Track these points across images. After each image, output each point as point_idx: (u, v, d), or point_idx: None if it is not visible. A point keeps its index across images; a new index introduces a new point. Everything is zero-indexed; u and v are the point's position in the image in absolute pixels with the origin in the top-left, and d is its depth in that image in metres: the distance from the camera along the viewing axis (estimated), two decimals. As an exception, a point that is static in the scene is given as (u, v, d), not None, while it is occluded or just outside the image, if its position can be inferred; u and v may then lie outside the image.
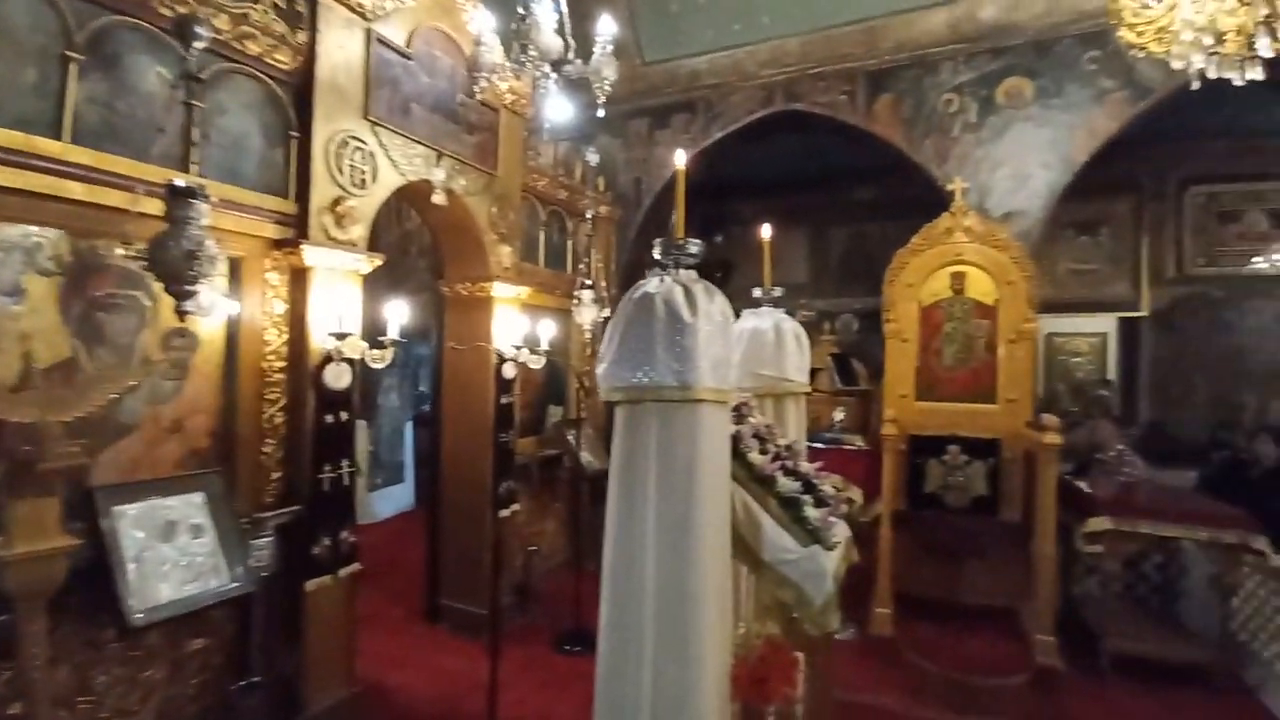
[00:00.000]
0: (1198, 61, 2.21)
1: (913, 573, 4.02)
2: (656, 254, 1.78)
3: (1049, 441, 3.31)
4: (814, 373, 5.09)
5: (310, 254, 2.56)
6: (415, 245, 6.41)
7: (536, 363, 3.28)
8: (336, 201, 2.66)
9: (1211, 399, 6.17)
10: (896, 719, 2.99)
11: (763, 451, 2.15)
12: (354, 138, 2.77)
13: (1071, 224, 6.48)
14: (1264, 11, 1.87)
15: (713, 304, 1.62)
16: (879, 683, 3.27)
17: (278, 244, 2.55)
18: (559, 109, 3.25)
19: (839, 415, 4.15)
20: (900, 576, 3.82)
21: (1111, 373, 7.63)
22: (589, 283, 4.31)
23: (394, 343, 2.64)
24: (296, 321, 2.60)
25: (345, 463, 2.69)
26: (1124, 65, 3.97)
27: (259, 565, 2.44)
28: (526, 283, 4.07)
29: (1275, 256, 6.01)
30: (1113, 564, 3.41)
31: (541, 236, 4.62)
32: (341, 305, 2.63)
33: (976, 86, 4.28)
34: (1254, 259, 6.07)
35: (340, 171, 2.70)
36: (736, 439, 2.00)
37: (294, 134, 2.64)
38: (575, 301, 4.29)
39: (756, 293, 2.61)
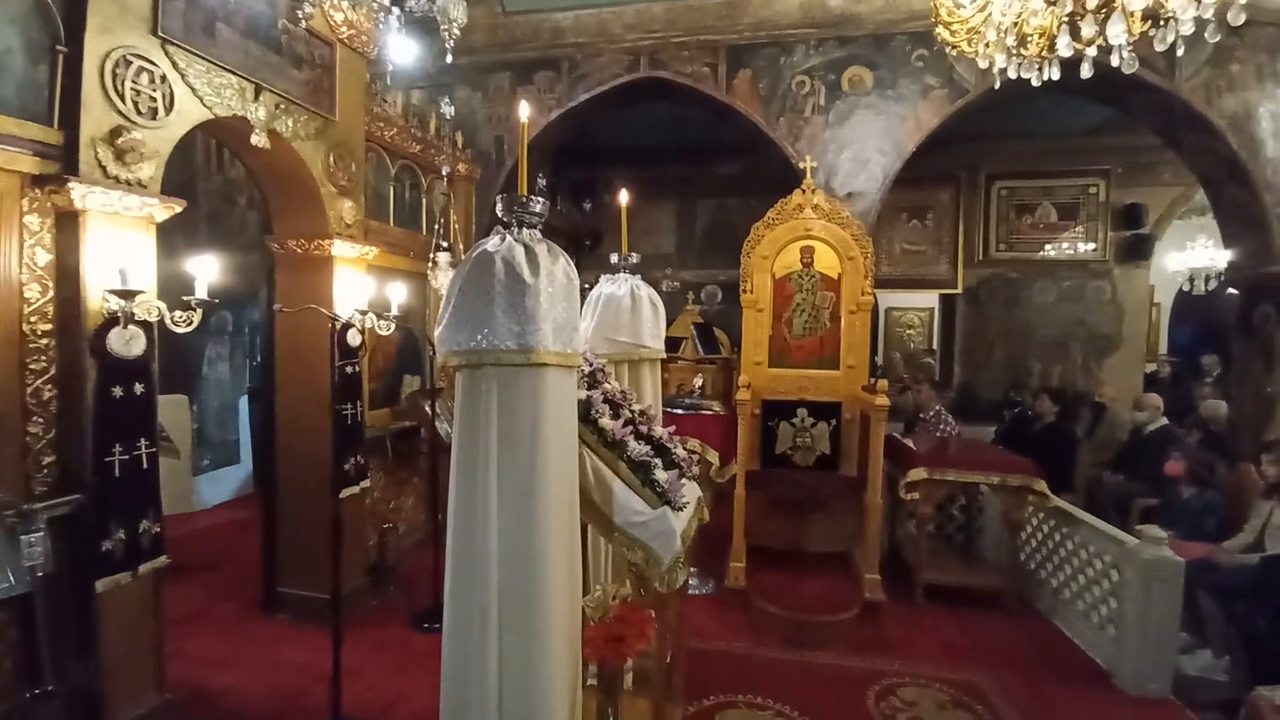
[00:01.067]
0: (1000, 61, 2.47)
1: (765, 527, 4.32)
2: (499, 211, 1.69)
3: (879, 404, 3.66)
4: (678, 341, 5.27)
5: (81, 194, 2.12)
6: (244, 195, 5.67)
7: (385, 329, 3.03)
8: (116, 132, 2.23)
9: (1007, 365, 7.19)
10: (743, 660, 3.22)
11: (615, 416, 2.15)
12: (139, 56, 2.33)
13: (905, 208, 7.16)
14: (1068, 9, 2.11)
15: (556, 265, 1.56)
16: (731, 630, 3.50)
17: (38, 181, 2.10)
18: (403, 50, 2.98)
19: (700, 382, 4.32)
20: (754, 531, 4.09)
21: (935, 343, 8.66)
22: (446, 245, 4.06)
23: (204, 304, 2.30)
24: (66, 276, 2.16)
25: (143, 442, 2.32)
26: (945, 65, 4.40)
27: (33, 564, 2.07)
28: (374, 242, 3.74)
29: (1058, 245, 7.07)
30: (927, 508, 3.88)
31: (392, 193, 4.26)
32: (128, 258, 2.22)
33: (825, 71, 4.53)
34: (1045, 246, 7.09)
35: (121, 97, 2.26)
36: (587, 404, 1.98)
37: (60, 48, 2.17)
38: (431, 265, 4.03)
39: (614, 258, 2.59)
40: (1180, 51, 4.08)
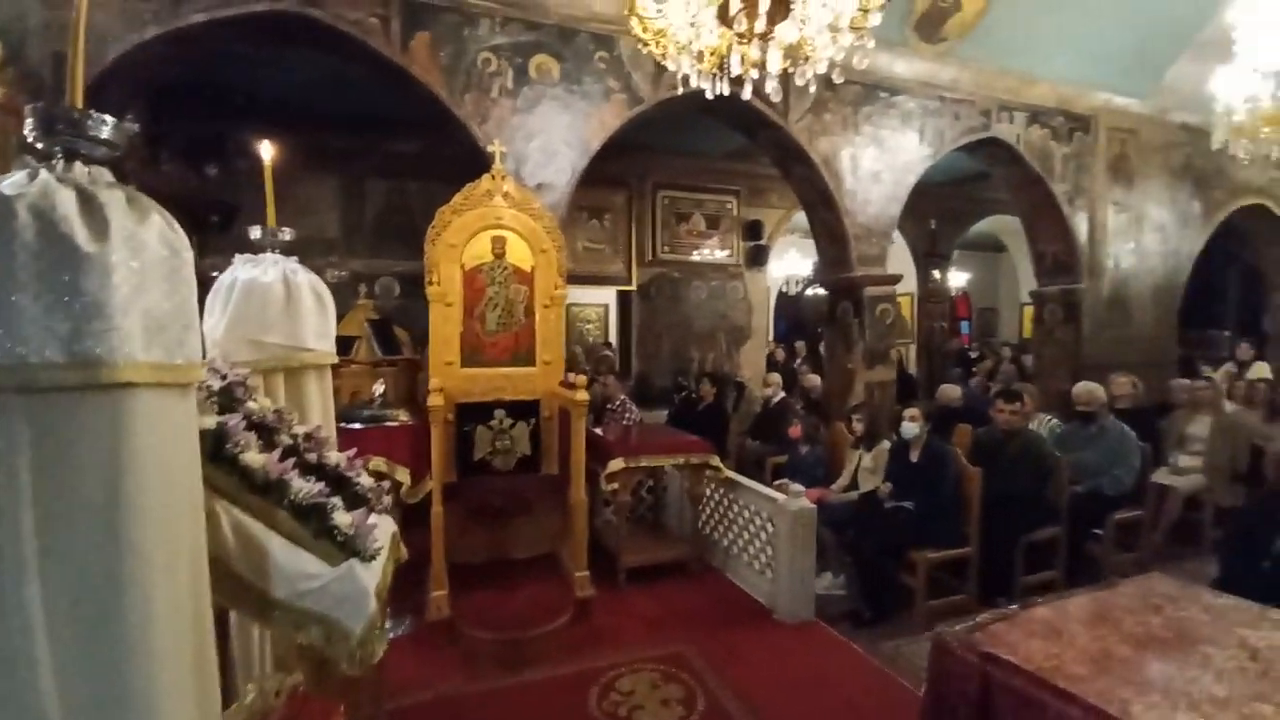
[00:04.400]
0: (685, 67, 2.59)
1: (468, 542, 3.95)
2: (29, 131, 1.02)
3: (579, 399, 3.63)
4: (350, 341, 4.47)
5: None
6: None
7: None
8: None
9: (673, 354, 8.18)
10: (456, 703, 2.84)
11: (269, 447, 1.57)
12: None
13: (586, 208, 7.51)
14: (742, 26, 2.27)
15: (145, 227, 0.97)
16: (438, 670, 3.06)
17: None
18: None
19: (381, 388, 3.69)
20: (456, 548, 3.69)
21: (613, 336, 9.36)
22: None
23: None
24: None
25: None
26: (624, 72, 4.63)
27: None
28: None
29: (706, 250, 8.29)
30: (625, 495, 4.04)
31: None
32: None
33: (512, 53, 4.33)
34: (697, 250, 8.23)
35: None
36: (219, 436, 1.37)
37: None
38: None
39: (255, 233, 1.92)
40: (792, 99, 5.09)
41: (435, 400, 3.45)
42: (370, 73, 4.47)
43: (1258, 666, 1.35)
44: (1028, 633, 1.50)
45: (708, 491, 4.34)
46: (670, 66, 2.60)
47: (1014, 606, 1.63)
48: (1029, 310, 11.14)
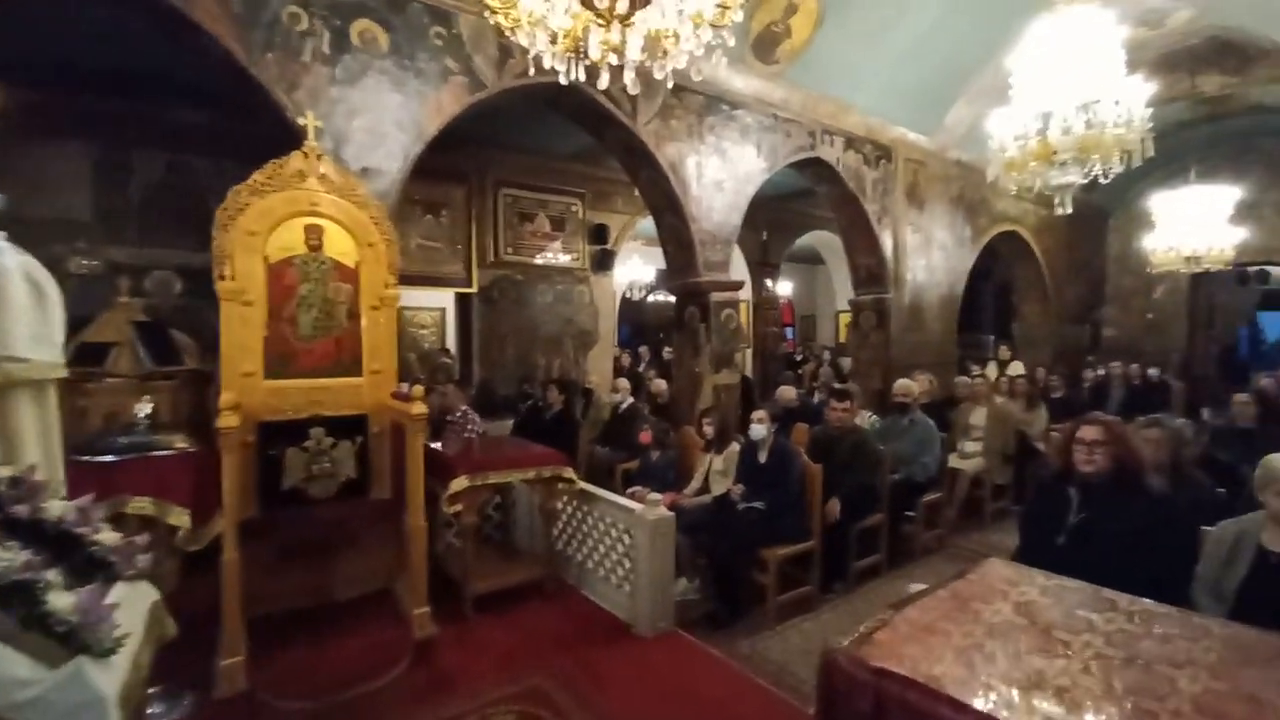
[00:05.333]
0: (539, 43, 2.35)
1: (277, 587, 3.30)
2: None
3: (416, 412, 3.19)
4: (103, 350, 3.46)
5: None
6: None
7: None
8: None
9: (518, 360, 7.80)
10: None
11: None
12: None
13: (420, 201, 6.87)
14: (603, 4, 2.08)
15: None
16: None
17: None
18: None
19: (147, 409, 2.88)
20: (262, 596, 3.04)
21: (451, 342, 8.72)
22: None
23: None
24: None
25: None
26: (465, 54, 4.24)
27: None
28: None
29: (551, 254, 8.03)
30: (471, 517, 3.64)
31: None
32: None
33: (328, 13, 3.73)
34: (542, 253, 7.94)
35: None
36: None
37: None
38: None
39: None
40: (641, 101, 5.05)
41: (229, 420, 2.80)
42: (144, 23, 3.60)
43: (1118, 653, 1.44)
44: (906, 637, 1.48)
45: (561, 505, 4.09)
46: (522, 41, 2.34)
47: (889, 611, 1.62)
48: (845, 317, 12.39)
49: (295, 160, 3.38)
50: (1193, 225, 7.32)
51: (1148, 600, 1.81)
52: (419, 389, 3.29)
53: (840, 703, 1.37)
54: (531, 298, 7.86)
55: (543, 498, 3.92)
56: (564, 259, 8.11)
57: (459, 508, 3.54)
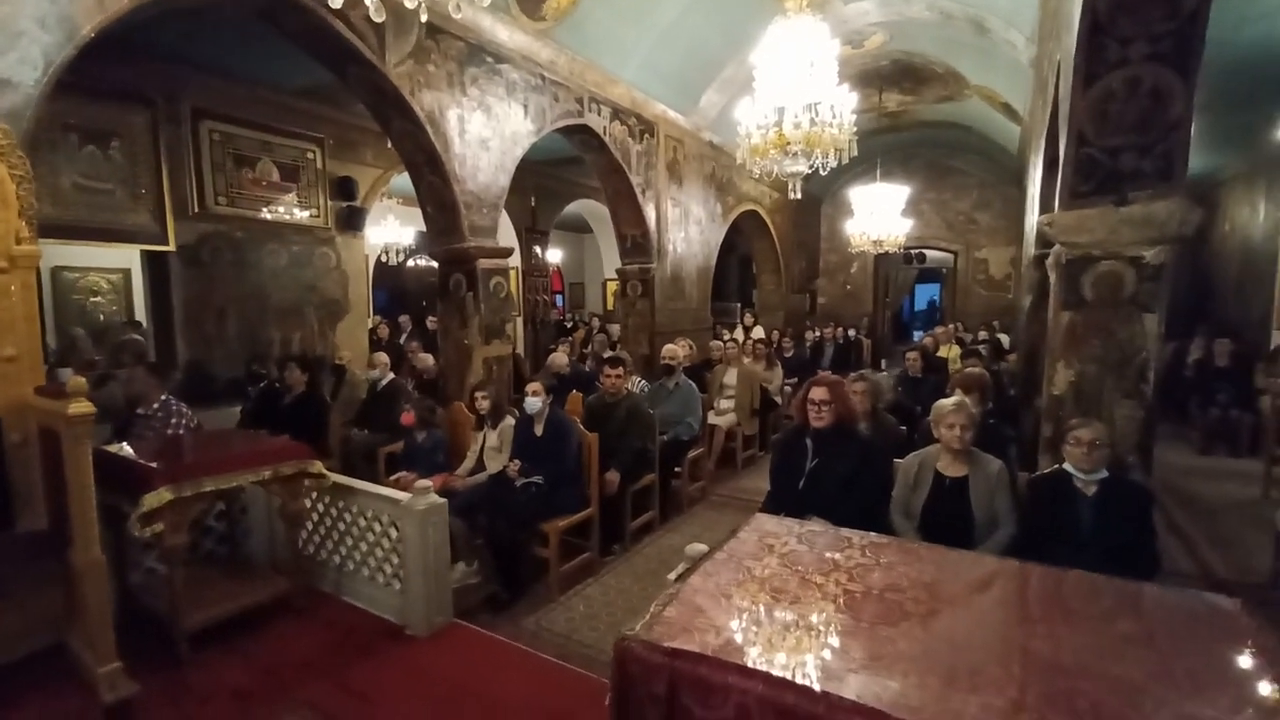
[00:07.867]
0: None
1: None
2: None
3: (75, 412, 2.37)
4: None
5: None
6: None
7: None
8: None
9: (244, 335, 6.48)
10: None
11: None
12: None
13: (77, 127, 5.18)
14: None
15: None
16: None
17: None
18: None
19: None
20: None
21: (141, 313, 6.91)
22: None
23: None
24: None
25: None
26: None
27: None
28: None
29: (283, 208, 6.76)
30: (178, 537, 2.88)
31: None
32: None
33: None
34: (270, 206, 6.62)
35: None
36: None
37: None
38: None
39: None
40: (390, 38, 4.39)
41: None
42: None
43: (858, 587, 1.63)
44: (694, 610, 1.50)
45: (310, 504, 3.49)
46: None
47: (676, 585, 1.63)
48: (611, 285, 12.80)
49: None
50: (877, 216, 9.02)
51: (873, 534, 2.13)
52: (79, 380, 2.45)
53: (635, 687, 1.34)
54: (258, 259, 6.55)
55: (284, 499, 3.29)
56: (301, 215, 6.90)
57: (159, 527, 2.78)
